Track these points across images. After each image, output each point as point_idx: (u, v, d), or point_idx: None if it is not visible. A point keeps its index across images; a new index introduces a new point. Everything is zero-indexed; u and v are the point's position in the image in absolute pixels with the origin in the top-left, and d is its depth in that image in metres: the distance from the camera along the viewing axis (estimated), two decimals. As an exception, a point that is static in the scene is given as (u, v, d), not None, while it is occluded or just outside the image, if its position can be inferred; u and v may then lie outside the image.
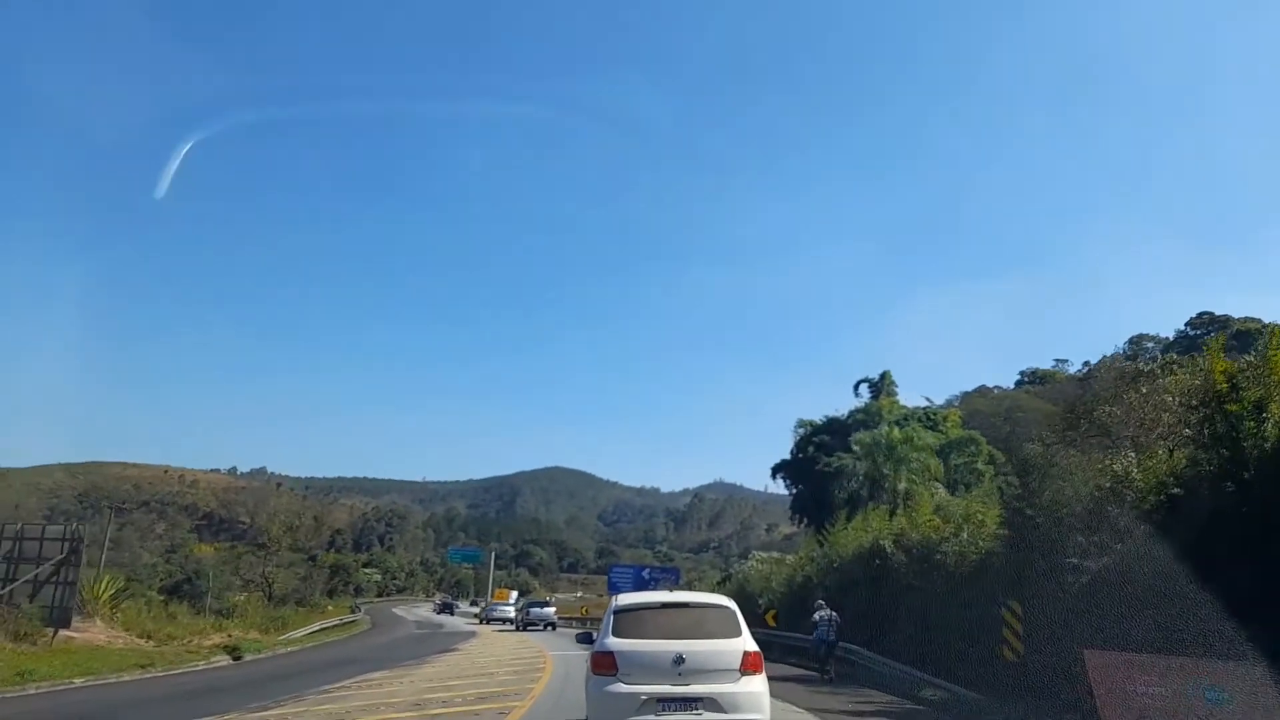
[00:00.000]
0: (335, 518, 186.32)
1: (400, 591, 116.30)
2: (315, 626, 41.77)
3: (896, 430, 37.99)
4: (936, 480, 35.38)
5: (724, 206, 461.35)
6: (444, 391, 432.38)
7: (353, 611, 63.73)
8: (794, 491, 60.87)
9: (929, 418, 56.51)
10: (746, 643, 9.61)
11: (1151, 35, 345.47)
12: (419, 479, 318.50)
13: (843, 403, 62.56)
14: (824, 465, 54.94)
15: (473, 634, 40.86)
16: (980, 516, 18.33)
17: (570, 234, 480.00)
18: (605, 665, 9.45)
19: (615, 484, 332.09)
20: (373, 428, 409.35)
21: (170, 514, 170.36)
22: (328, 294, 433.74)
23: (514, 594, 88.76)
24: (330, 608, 62.10)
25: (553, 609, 57.93)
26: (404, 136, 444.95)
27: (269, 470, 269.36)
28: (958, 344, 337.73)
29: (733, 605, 10.29)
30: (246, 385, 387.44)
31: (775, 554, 39.76)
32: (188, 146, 38.73)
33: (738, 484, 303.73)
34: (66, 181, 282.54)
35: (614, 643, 9.57)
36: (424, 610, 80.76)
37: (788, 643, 26.44)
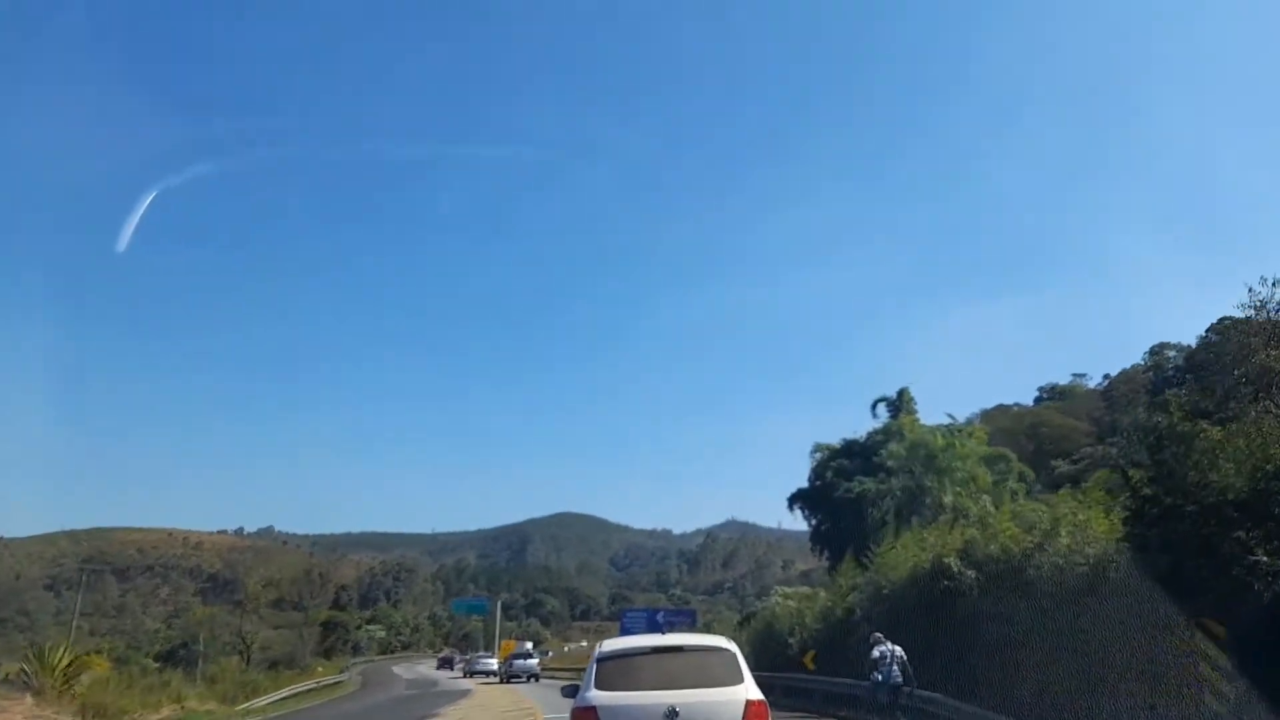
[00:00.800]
0: (342, 574, 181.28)
1: (405, 648, 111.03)
2: (287, 691, 37.35)
3: (939, 436, 33.37)
4: (984, 493, 30.93)
5: (726, 231, 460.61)
6: (449, 443, 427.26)
7: (342, 671, 59.32)
8: (813, 523, 56.45)
9: (952, 434, 52.32)
10: (749, 690, 8.37)
11: (1150, 45, 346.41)
12: (428, 531, 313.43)
13: (860, 424, 58.69)
14: (845, 491, 50.75)
15: (466, 692, 36.45)
16: (1078, 516, 14.26)
17: (571, 273, 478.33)
18: None
19: (626, 527, 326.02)
20: (380, 483, 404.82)
21: (174, 577, 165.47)
22: (325, 349, 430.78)
23: (529, 644, 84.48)
24: (320, 668, 57.84)
25: (535, 660, 54.70)
26: (383, 177, 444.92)
27: (276, 529, 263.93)
28: (972, 362, 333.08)
29: (733, 647, 9.03)
30: (250, 445, 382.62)
31: (802, 588, 35.60)
32: (150, 197, 36.22)
33: (750, 522, 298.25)
34: (32, 236, 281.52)
35: (596, 696, 8.32)
36: (424, 667, 75.80)
37: (832, 690, 22.30)
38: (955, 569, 17.78)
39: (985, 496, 29.63)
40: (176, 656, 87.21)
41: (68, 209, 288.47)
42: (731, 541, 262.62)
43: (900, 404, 56.29)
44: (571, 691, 9.62)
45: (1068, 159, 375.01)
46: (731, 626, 40.34)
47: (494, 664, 56.63)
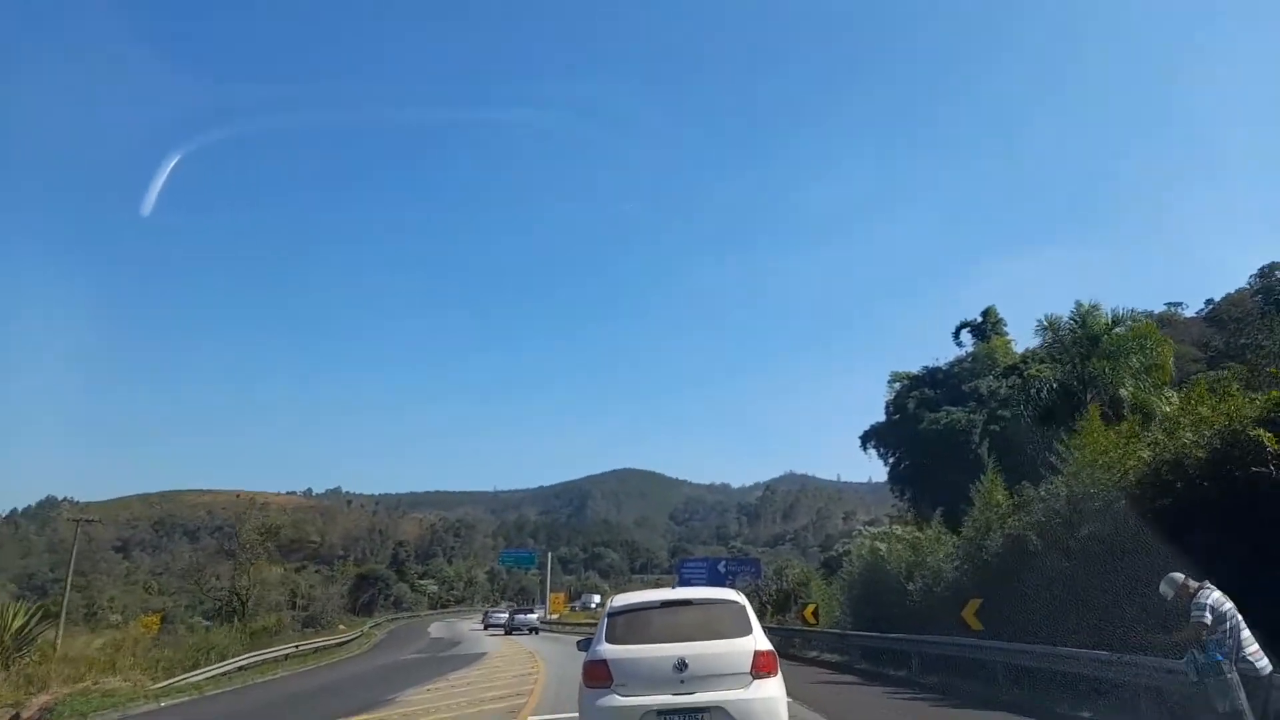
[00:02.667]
0: (404, 531, 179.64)
1: (459, 602, 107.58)
2: (266, 654, 31.95)
3: (1101, 319, 25.32)
4: (1166, 385, 23.26)
5: (780, 186, 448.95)
6: (510, 402, 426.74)
7: (372, 628, 55.06)
8: (890, 461, 49.82)
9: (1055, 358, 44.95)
10: (758, 641, 8.21)
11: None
12: (490, 489, 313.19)
13: (939, 354, 51.37)
14: (930, 423, 44.01)
15: (479, 657, 31.35)
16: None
17: (626, 230, 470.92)
18: (598, 675, 8.09)
19: (685, 482, 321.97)
20: (444, 443, 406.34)
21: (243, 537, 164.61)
22: (389, 310, 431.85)
23: (595, 597, 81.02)
24: (342, 626, 53.45)
25: (535, 615, 59.99)
26: (430, 139, 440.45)
27: (343, 490, 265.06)
28: (1043, 308, 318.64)
29: (742, 599, 8.95)
30: (319, 409, 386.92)
31: (896, 527, 29.28)
32: (175, 161, 33.86)
33: (810, 474, 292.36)
34: (66, 202, 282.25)
35: (607, 650, 8.23)
36: (467, 624, 70.93)
37: (1025, 665, 13.88)
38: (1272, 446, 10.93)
39: (1171, 392, 22.36)
40: (226, 613, 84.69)
41: (96, 174, 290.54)
42: (791, 494, 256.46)
43: (987, 326, 49.07)
44: (585, 645, 9.06)
45: (1121, 109, 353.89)
46: (811, 574, 34.21)
47: (504, 618, 59.53)
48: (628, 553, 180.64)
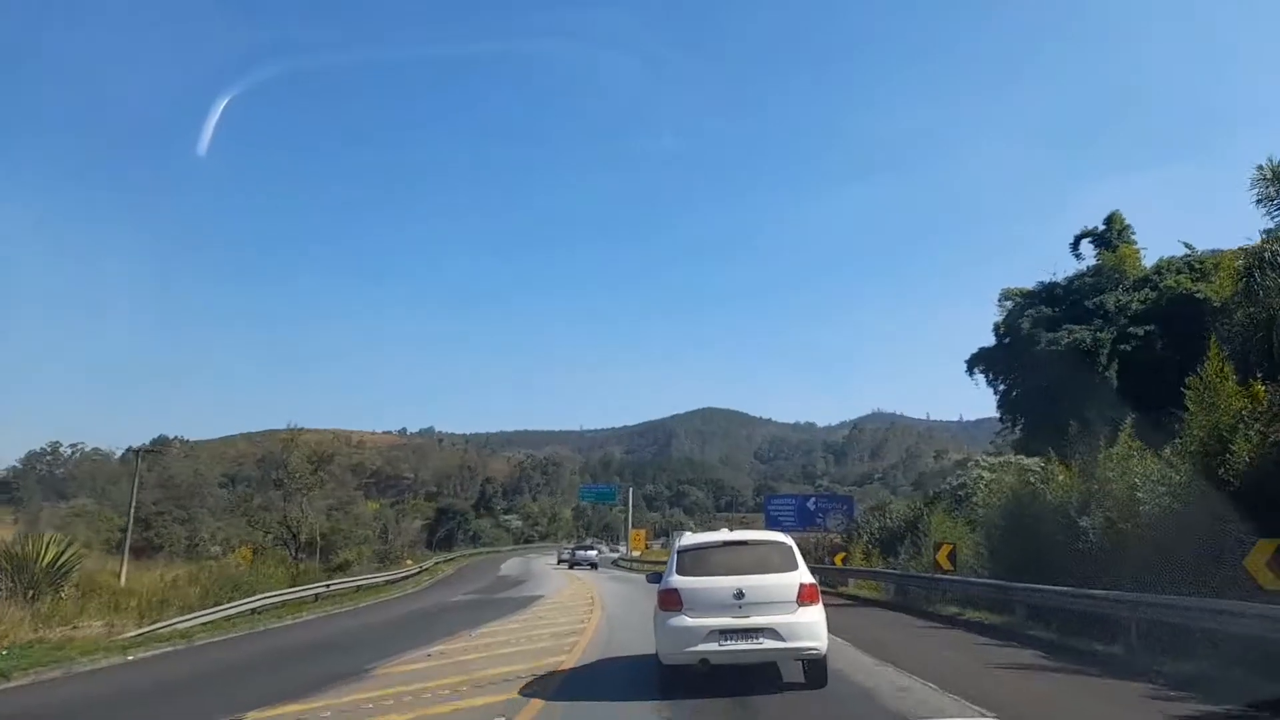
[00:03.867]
0: (493, 469, 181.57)
1: (544, 538, 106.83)
2: (285, 594, 28.61)
3: None
4: None
5: (856, 113, 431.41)
6: (597, 341, 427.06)
7: (424, 566, 53.65)
8: (1000, 388, 44.66)
9: (1194, 268, 38.94)
10: (803, 575, 9.76)
11: None
12: (577, 429, 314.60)
13: (1053, 270, 45.48)
14: (1049, 344, 38.74)
15: (532, 601, 27.95)
16: None
17: (697, 161, 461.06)
18: (671, 601, 9.66)
19: (769, 421, 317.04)
20: (533, 383, 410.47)
21: (337, 474, 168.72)
22: (476, 249, 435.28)
23: (688, 533, 78.73)
24: (409, 561, 52.04)
25: (594, 553, 61.95)
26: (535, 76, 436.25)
27: (436, 429, 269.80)
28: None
29: (789, 541, 10.39)
30: (412, 351, 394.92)
31: (1021, 458, 24.96)
32: (225, 101, 32.53)
33: (897, 413, 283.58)
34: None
35: (678, 580, 9.79)
36: (542, 562, 68.92)
37: None
38: None
39: None
40: (314, 547, 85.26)
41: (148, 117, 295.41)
42: (879, 433, 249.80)
43: (1112, 234, 42.99)
44: (656, 578, 11.17)
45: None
46: (919, 508, 29.58)
47: (594, 555, 61.19)
48: (712, 491, 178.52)
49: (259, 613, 25.75)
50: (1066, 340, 38.25)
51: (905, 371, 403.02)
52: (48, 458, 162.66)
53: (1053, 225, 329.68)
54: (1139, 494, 12.81)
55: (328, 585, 33.52)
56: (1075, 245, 43.51)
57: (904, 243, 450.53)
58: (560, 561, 63.27)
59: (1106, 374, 37.28)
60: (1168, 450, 13.07)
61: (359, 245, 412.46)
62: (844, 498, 62.94)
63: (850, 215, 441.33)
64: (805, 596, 9.53)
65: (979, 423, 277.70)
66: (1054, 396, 38.64)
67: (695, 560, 10.02)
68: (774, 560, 9.86)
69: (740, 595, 9.34)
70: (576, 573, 51.80)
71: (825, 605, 9.93)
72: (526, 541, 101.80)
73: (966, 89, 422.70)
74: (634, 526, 59.18)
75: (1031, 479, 17.86)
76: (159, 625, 20.25)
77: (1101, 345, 37.41)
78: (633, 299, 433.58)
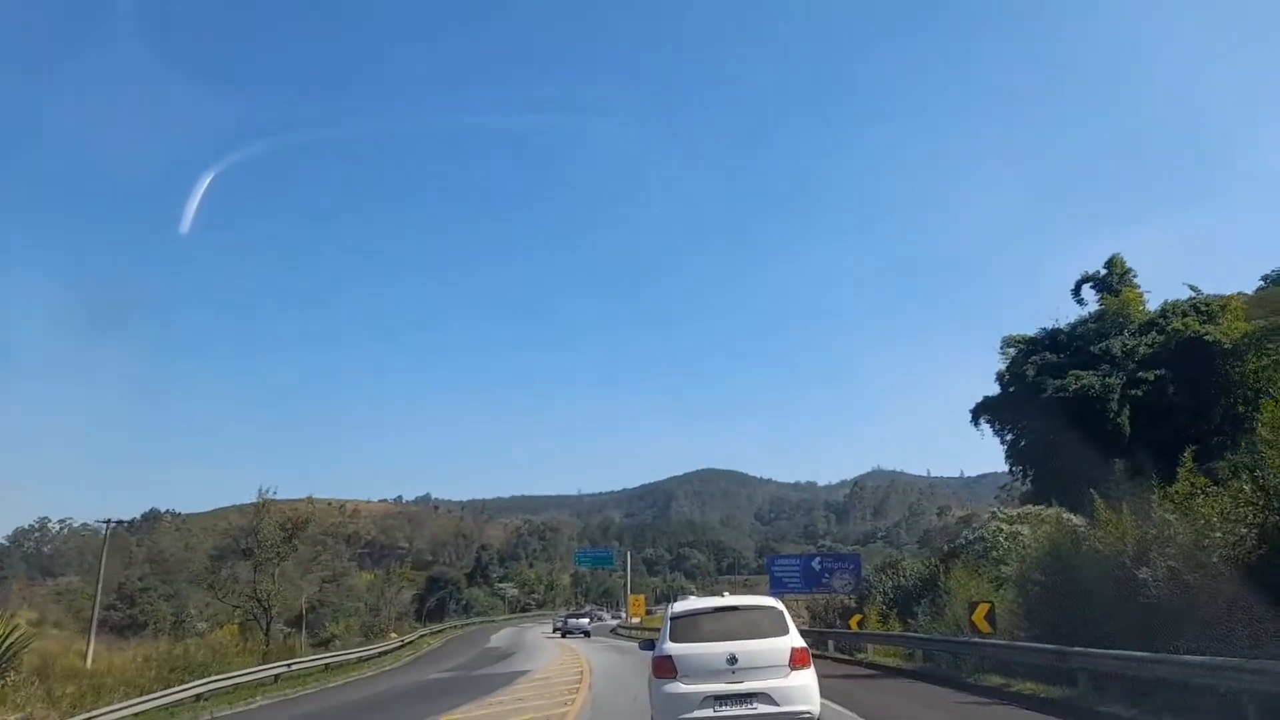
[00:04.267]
0: (490, 535, 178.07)
1: (540, 606, 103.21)
2: (239, 675, 25.48)
3: None
4: None
5: (846, 165, 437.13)
6: (591, 404, 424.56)
7: (406, 639, 50.84)
8: (1008, 437, 43.32)
9: (1201, 310, 37.95)
10: (794, 640, 9.92)
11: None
12: (575, 493, 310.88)
13: (1049, 319, 44.36)
14: (1055, 390, 37.54)
15: (518, 676, 25.52)
16: None
17: (692, 223, 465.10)
18: (665, 669, 9.83)
19: (769, 481, 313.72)
20: (529, 449, 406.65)
21: (330, 544, 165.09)
22: (469, 319, 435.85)
23: (692, 597, 76.83)
24: (394, 634, 49.55)
25: (586, 620, 61.46)
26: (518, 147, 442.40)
27: (432, 496, 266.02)
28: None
29: (780, 606, 10.59)
30: (408, 418, 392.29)
31: (1040, 508, 23.44)
32: (209, 179, 31.55)
33: (898, 470, 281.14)
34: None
35: (672, 647, 9.96)
36: (536, 632, 65.46)
37: None
38: None
39: None
40: (302, 620, 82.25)
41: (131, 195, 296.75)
42: (880, 490, 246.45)
43: (1113, 279, 42.19)
44: (649, 645, 11.15)
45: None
46: (928, 565, 27.72)
47: (563, 622, 60.31)
48: (714, 553, 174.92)
49: (205, 699, 23.04)
50: (1074, 387, 37.08)
51: (905, 428, 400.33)
52: (35, 534, 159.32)
53: (1050, 275, 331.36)
54: (1214, 535, 11.06)
55: (289, 665, 30.23)
56: (1076, 290, 42.65)
57: (901, 297, 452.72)
58: (555, 630, 61.35)
59: (1118, 420, 36.01)
60: (1247, 486, 11.36)
61: (354, 313, 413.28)
62: (850, 556, 60.98)
63: (846, 272, 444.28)
64: (797, 660, 9.75)
65: (981, 478, 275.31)
66: (1063, 445, 37.28)
67: (688, 627, 10.23)
68: (765, 625, 10.08)
69: (733, 660, 9.55)
70: (570, 642, 49.29)
71: (845, 677, 11.33)
72: (523, 610, 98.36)
73: (957, 141, 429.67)
74: (633, 592, 56.72)
75: (1076, 526, 16.01)
76: (91, 715, 18.15)
77: (1111, 391, 36.24)
78: (629, 361, 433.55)
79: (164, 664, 25.10)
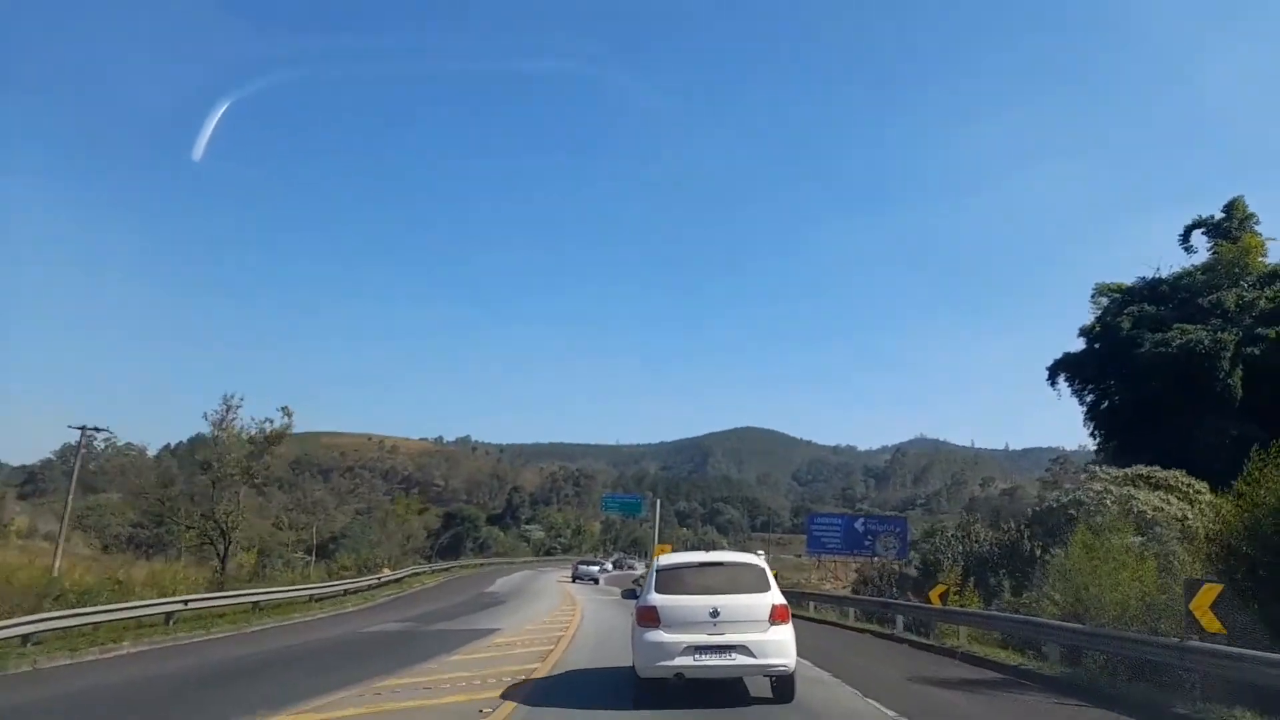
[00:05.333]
0: (524, 479, 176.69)
1: (567, 551, 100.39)
2: (89, 614, 18.88)
3: None
4: None
5: (906, 140, 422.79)
6: (635, 358, 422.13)
7: (393, 576, 44.95)
8: (1090, 396, 38.28)
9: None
10: (775, 596, 10.15)
11: None
12: (613, 443, 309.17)
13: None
14: (1155, 345, 32.40)
15: (489, 633, 20.60)
16: None
17: (750, 190, 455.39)
18: (649, 618, 9.98)
19: (809, 443, 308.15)
20: (570, 395, 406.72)
21: (365, 479, 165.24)
22: (518, 263, 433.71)
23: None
24: (386, 569, 46.00)
25: (597, 568, 61.73)
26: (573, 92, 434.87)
27: (473, 439, 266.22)
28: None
29: (763, 563, 10.89)
30: (454, 360, 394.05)
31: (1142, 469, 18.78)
32: (225, 107, 31.42)
33: (941, 439, 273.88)
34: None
35: (656, 598, 10.12)
36: (548, 578, 61.32)
37: None
38: None
39: None
40: (327, 550, 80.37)
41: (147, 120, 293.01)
42: (922, 458, 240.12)
43: (1232, 224, 36.48)
44: (631, 595, 12.37)
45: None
46: (1007, 532, 22.93)
47: (596, 570, 60.60)
48: (748, 510, 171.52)
49: (34, 641, 17.14)
50: (1178, 342, 31.94)
51: (950, 398, 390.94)
52: (82, 451, 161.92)
53: (1109, 251, 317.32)
54: None
55: (185, 602, 23.42)
56: (1185, 237, 37.04)
57: (953, 270, 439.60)
58: (576, 579, 58.84)
59: (1229, 381, 30.88)
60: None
61: (411, 252, 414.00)
62: (896, 519, 56.62)
63: (899, 241, 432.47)
64: (776, 616, 9.92)
65: (1026, 451, 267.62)
66: (1160, 407, 32.34)
67: (673, 579, 10.37)
68: (747, 581, 10.30)
69: (715, 613, 9.73)
70: (578, 591, 45.35)
71: (965, 685, 10.16)
72: (548, 553, 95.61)
73: (1017, 110, 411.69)
74: (660, 541, 53.05)
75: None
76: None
77: (1223, 348, 31.02)
78: (674, 316, 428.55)
79: (44, 589, 20.84)
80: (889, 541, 47.15)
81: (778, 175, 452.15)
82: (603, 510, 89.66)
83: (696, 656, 9.57)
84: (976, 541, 22.56)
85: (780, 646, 9.76)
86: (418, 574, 52.93)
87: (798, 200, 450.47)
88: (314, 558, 60.02)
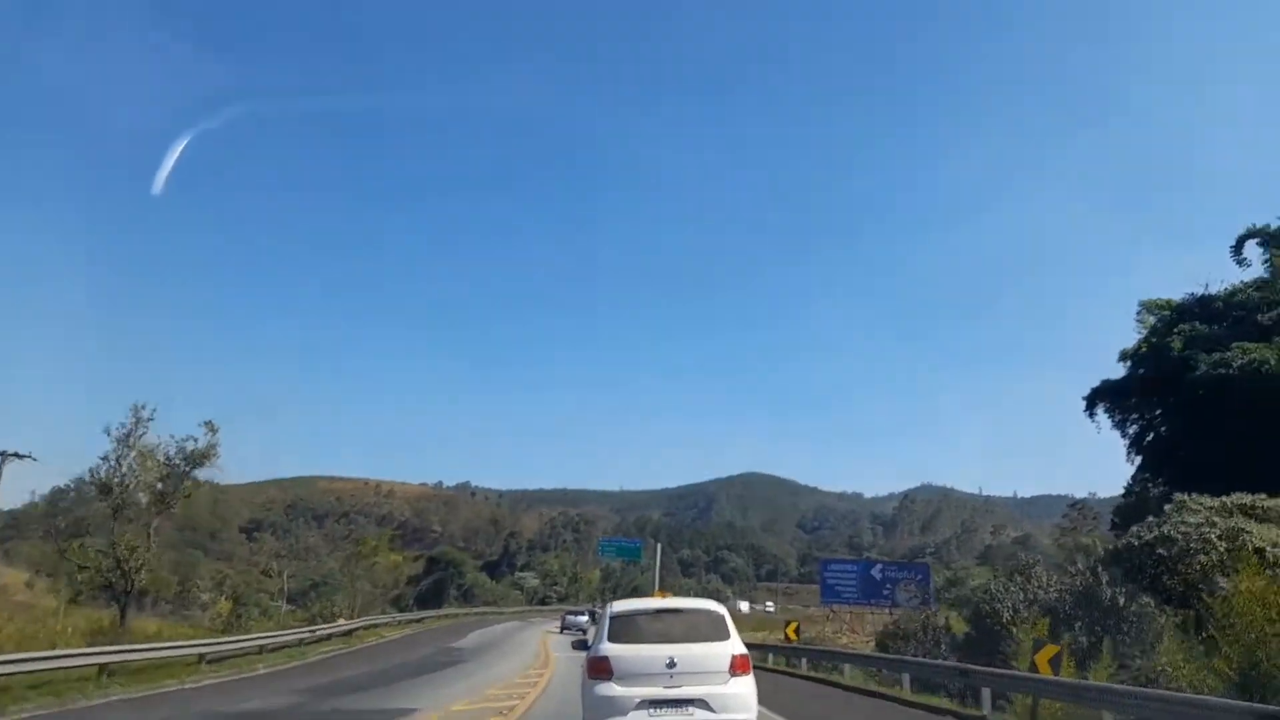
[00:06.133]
0: (524, 525, 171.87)
1: (563, 600, 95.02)
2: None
3: None
4: None
5: (911, 172, 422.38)
6: (639, 401, 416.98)
7: (344, 629, 38.27)
8: (1132, 428, 34.51)
9: None
10: (735, 646, 9.47)
11: None
12: (616, 489, 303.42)
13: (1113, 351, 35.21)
14: (1213, 367, 28.68)
15: (406, 714, 15.24)
16: None
17: (754, 223, 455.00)
18: (600, 669, 9.29)
19: (815, 489, 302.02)
20: (571, 442, 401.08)
21: (360, 524, 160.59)
22: (512, 317, 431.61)
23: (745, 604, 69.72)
24: (341, 619, 41.03)
25: (584, 618, 56.23)
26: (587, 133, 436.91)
27: (472, 484, 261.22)
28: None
29: (722, 610, 10.14)
30: (452, 405, 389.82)
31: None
32: (185, 141, 28.83)
33: (948, 486, 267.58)
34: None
35: (608, 648, 9.40)
36: (531, 630, 55.59)
37: None
38: None
39: None
40: (307, 598, 76.34)
41: (106, 151, 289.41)
42: (931, 504, 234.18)
43: (1291, 233, 33.08)
44: (582, 645, 11.72)
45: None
46: (1079, 576, 18.50)
47: (584, 620, 54.21)
48: (753, 558, 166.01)
49: None
50: (1240, 362, 28.19)
51: (956, 444, 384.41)
52: (71, 494, 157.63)
53: (1118, 287, 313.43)
54: None
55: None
56: (1238, 248, 33.54)
57: (956, 313, 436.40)
58: (565, 629, 54.64)
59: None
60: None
61: (410, 300, 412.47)
62: (917, 565, 52.18)
63: (900, 283, 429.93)
64: (737, 667, 9.27)
65: (1035, 500, 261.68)
66: (1222, 434, 28.51)
67: (626, 627, 9.62)
68: (706, 629, 9.61)
69: (672, 664, 9.01)
70: (558, 644, 39.69)
71: None
72: (542, 602, 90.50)
73: (1018, 140, 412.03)
74: (660, 588, 48.74)
75: None
76: None
77: (1297, 366, 27.31)
78: (677, 361, 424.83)
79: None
80: (910, 590, 43.00)
81: (781, 222, 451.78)
82: (599, 555, 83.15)
83: (651, 712, 8.88)
84: (1041, 588, 18.41)
85: (741, 700, 9.12)
86: (375, 625, 45.88)
87: (803, 245, 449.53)
88: (288, 605, 55.52)
